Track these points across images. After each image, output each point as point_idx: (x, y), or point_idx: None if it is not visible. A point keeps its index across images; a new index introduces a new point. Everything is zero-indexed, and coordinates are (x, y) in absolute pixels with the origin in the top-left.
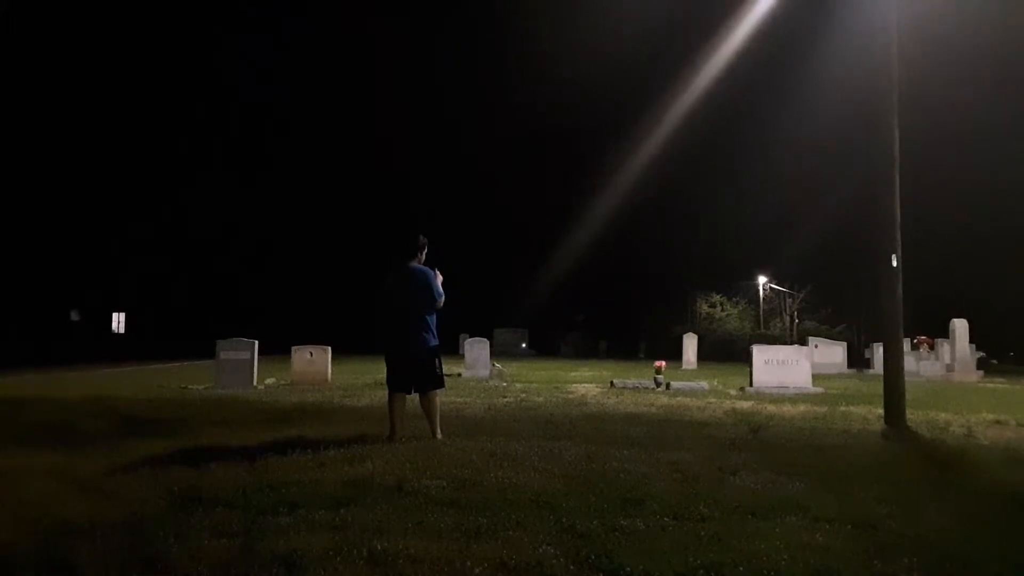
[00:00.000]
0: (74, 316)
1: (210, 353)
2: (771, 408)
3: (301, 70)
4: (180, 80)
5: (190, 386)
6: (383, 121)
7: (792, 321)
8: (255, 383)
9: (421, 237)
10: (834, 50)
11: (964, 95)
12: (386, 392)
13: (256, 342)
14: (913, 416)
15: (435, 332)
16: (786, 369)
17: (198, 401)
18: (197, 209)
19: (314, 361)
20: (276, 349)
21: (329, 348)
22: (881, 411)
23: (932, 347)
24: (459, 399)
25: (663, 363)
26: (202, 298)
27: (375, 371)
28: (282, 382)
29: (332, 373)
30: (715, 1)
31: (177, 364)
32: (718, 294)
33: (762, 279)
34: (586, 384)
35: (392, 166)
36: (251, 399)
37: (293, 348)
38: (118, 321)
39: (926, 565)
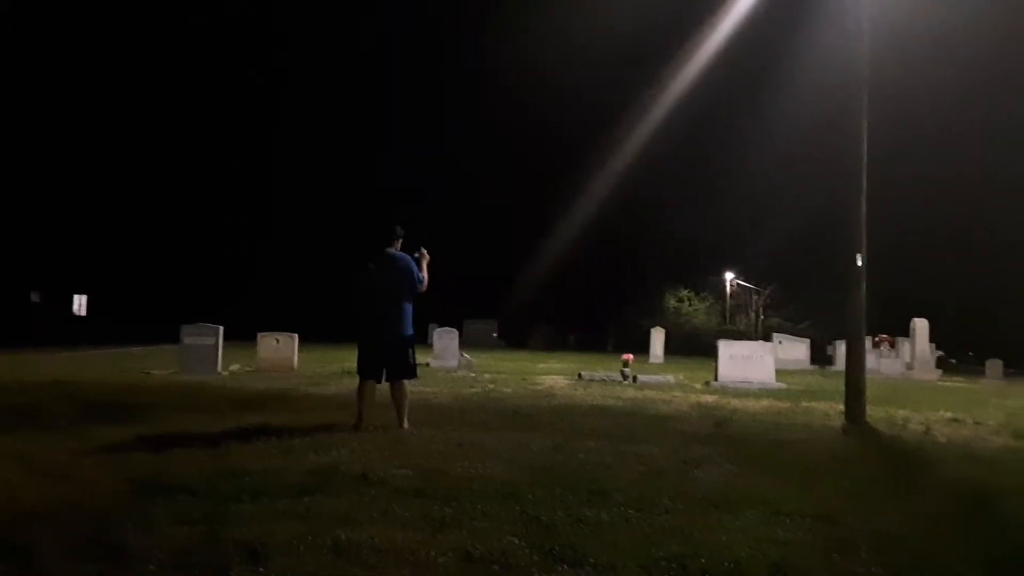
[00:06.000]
0: (34, 298)
1: (174, 338)
2: (735, 403)
3: (279, 58)
4: (149, 61)
5: (153, 371)
6: (357, 108)
7: (758, 317)
8: (220, 369)
9: (398, 228)
10: (807, 52)
11: (930, 100)
12: (354, 381)
13: (221, 327)
14: (873, 413)
15: (412, 322)
16: (751, 364)
17: (161, 386)
18: (163, 192)
19: (280, 348)
20: (242, 335)
21: (296, 335)
22: (842, 407)
23: (893, 345)
24: (427, 389)
25: (631, 356)
26: (166, 282)
27: (343, 359)
28: (247, 369)
29: (299, 360)
30: (691, 6)
31: (140, 348)
32: (686, 289)
33: (729, 275)
34: (554, 376)
35: (364, 155)
36: (215, 385)
37: (259, 334)
38: (79, 303)
39: (883, 558)
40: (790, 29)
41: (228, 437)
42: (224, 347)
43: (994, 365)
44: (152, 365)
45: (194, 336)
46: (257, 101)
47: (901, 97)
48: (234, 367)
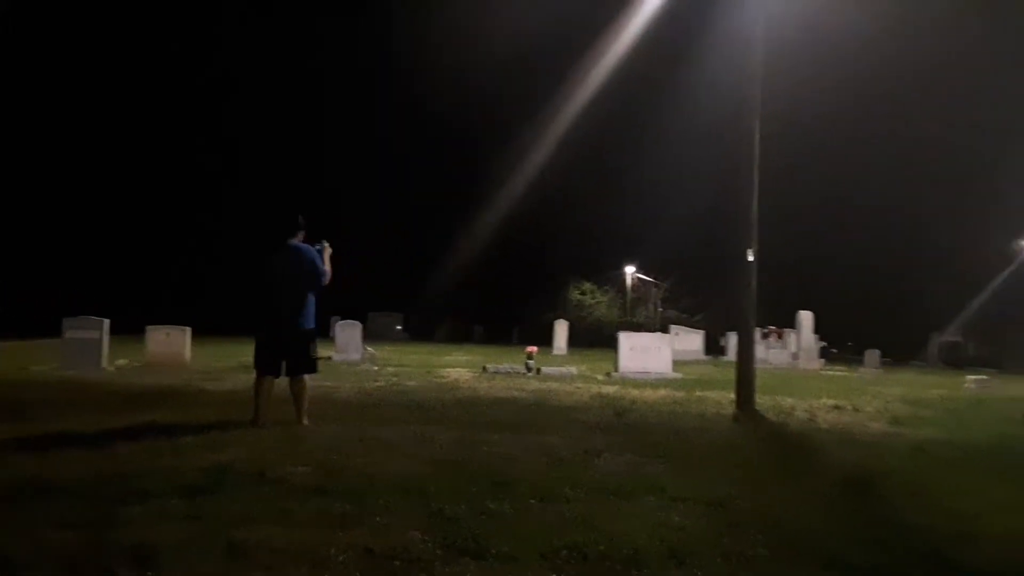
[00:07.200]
0: None
1: (55, 331)
2: (634, 393)
3: (190, 43)
4: (32, 48)
5: (33, 367)
6: (260, 98)
7: (656, 310)
8: (105, 364)
9: (300, 218)
10: (706, 58)
11: (823, 101)
12: (251, 376)
13: (107, 320)
14: (762, 401)
15: (313, 315)
16: (649, 355)
17: (42, 383)
18: (41, 177)
19: (171, 342)
20: (129, 329)
21: (188, 329)
22: (733, 396)
23: (780, 337)
24: (328, 383)
25: (535, 349)
26: (47, 272)
27: (238, 354)
28: (136, 364)
29: (191, 355)
30: (594, 9)
31: (17, 343)
32: (589, 282)
33: (630, 269)
34: (459, 368)
35: (266, 143)
36: (101, 381)
37: (148, 328)
38: None
39: (770, 540)
40: (690, 31)
41: (115, 436)
42: (110, 341)
43: (872, 355)
44: (31, 360)
45: (77, 329)
46: (149, 79)
47: (793, 97)
48: (121, 362)
